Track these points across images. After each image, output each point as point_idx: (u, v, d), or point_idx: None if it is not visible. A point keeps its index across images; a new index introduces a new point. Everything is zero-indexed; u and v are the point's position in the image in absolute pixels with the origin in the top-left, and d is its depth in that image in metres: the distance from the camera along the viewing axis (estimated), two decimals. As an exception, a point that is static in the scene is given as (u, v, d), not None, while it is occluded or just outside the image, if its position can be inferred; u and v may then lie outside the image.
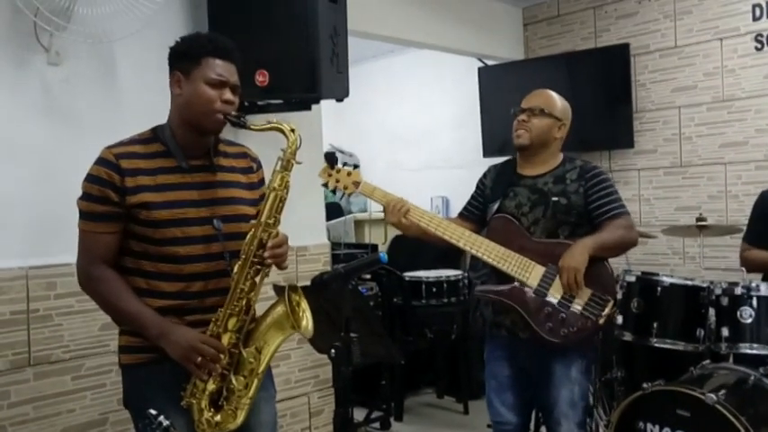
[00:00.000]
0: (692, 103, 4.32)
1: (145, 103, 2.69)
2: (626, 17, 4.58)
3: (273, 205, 1.83)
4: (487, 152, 4.89)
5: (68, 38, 2.53)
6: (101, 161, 1.81)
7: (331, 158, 2.46)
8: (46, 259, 2.56)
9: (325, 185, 2.48)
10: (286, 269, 1.96)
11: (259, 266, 1.83)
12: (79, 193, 1.83)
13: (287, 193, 1.86)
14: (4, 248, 2.49)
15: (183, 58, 1.85)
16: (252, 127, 1.86)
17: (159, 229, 1.80)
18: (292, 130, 1.86)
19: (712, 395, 2.47)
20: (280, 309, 1.85)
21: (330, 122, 3.85)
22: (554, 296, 2.33)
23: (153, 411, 1.45)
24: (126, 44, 2.69)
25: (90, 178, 1.81)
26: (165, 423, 1.43)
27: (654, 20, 4.45)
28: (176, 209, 1.81)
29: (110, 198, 1.78)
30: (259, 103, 2.94)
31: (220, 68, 1.84)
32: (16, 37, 2.53)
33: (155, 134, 1.88)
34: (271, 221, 1.83)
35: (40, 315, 2.56)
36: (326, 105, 3.17)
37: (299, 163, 1.87)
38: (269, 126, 1.86)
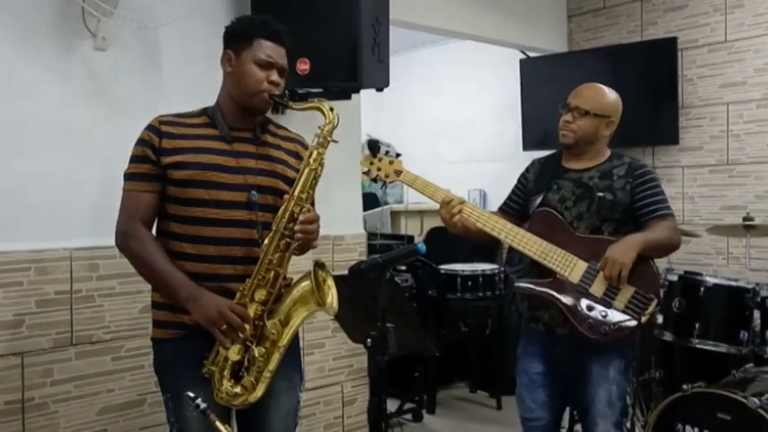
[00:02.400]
0: (742, 99, 4.19)
1: (188, 88, 2.72)
2: (674, 10, 4.45)
3: (307, 181, 1.88)
4: (527, 145, 4.83)
5: (114, 23, 2.57)
6: (147, 126, 1.91)
7: (374, 146, 2.45)
8: (89, 241, 2.61)
9: (367, 173, 2.47)
10: (316, 248, 1.97)
11: (289, 240, 1.85)
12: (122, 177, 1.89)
13: (321, 170, 1.90)
14: (50, 230, 2.55)
15: (237, 37, 1.93)
16: (293, 106, 1.92)
17: (185, 189, 1.85)
18: (331, 109, 1.91)
19: (755, 399, 2.42)
20: (305, 284, 1.87)
21: (368, 113, 3.84)
22: (596, 292, 2.29)
23: (191, 394, 1.46)
24: (170, 31, 2.72)
25: (137, 141, 1.91)
26: (203, 406, 1.44)
27: (703, 13, 4.33)
28: (206, 171, 1.86)
29: (148, 157, 1.86)
30: (299, 91, 2.93)
31: (270, 50, 1.91)
32: (65, 22, 2.57)
33: (204, 111, 1.97)
34: (303, 196, 1.87)
35: (83, 296, 2.62)
36: (365, 95, 3.16)
37: (335, 141, 1.91)
38: (309, 105, 1.93)
